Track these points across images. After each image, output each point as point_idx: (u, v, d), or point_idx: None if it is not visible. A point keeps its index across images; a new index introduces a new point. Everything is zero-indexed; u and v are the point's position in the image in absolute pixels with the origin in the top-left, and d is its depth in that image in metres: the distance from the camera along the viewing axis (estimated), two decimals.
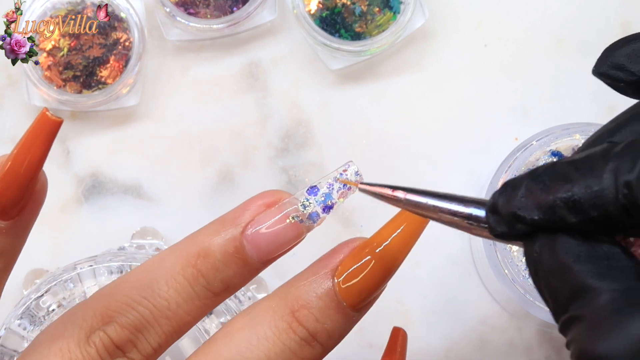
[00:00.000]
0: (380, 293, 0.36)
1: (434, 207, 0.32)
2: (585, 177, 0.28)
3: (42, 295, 0.48)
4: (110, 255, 0.50)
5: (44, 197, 0.35)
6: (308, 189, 0.35)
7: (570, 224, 0.29)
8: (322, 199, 0.35)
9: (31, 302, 0.47)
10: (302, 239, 0.36)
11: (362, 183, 0.34)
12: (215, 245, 0.34)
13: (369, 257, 0.35)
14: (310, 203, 0.35)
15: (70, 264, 0.49)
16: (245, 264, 0.35)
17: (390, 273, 0.35)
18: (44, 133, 0.33)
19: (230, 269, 0.34)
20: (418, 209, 0.33)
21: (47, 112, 0.32)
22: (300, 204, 0.35)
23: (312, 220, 0.35)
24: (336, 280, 0.35)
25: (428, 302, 0.59)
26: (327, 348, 0.35)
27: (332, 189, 0.35)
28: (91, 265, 0.48)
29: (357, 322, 0.36)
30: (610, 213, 0.28)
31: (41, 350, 0.33)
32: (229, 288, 0.35)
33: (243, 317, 0.34)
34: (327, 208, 0.35)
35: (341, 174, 0.36)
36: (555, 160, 0.32)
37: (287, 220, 0.35)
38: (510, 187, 0.30)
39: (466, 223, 0.32)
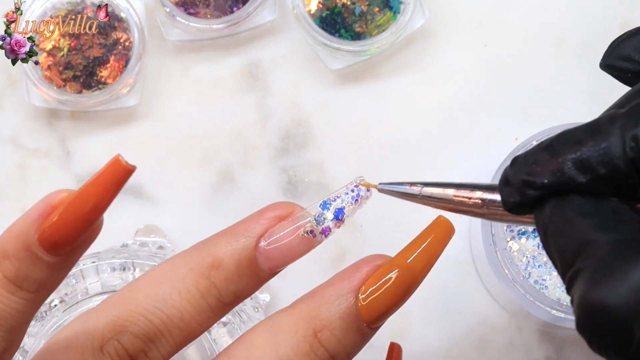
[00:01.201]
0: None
1: (451, 195, 0.33)
2: (594, 137, 0.29)
3: None
4: (113, 252, 0.50)
5: (97, 236, 0.33)
6: (321, 204, 0.35)
7: (580, 183, 0.29)
8: (334, 214, 0.35)
9: None
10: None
11: (380, 183, 0.35)
12: (228, 257, 0.35)
13: (393, 279, 0.35)
14: (324, 218, 0.35)
15: None
16: (257, 276, 0.35)
17: (410, 293, 0.35)
18: (115, 179, 0.31)
19: (243, 281, 0.35)
20: (435, 201, 0.34)
21: (120, 158, 0.31)
22: (313, 219, 0.35)
23: (324, 234, 0.35)
24: (360, 304, 0.35)
25: (428, 302, 0.59)
26: None
27: (344, 203, 0.36)
28: (94, 262, 0.48)
29: (369, 340, 0.36)
30: (618, 168, 0.28)
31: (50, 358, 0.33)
32: (238, 298, 0.35)
33: (264, 332, 0.34)
34: (339, 222, 0.36)
35: (353, 189, 0.36)
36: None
37: (301, 235, 0.35)
38: (520, 159, 0.31)
39: (482, 207, 0.33)
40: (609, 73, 0.36)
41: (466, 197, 0.33)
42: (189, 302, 0.34)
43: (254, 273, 0.35)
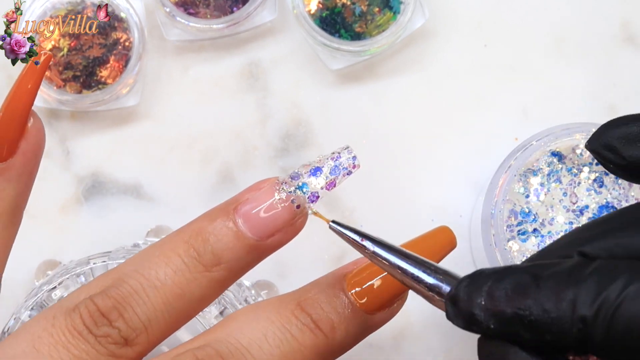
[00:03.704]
0: (397, 304, 0.36)
1: (399, 267, 0.32)
2: (546, 298, 0.28)
3: (54, 287, 0.48)
4: (124, 251, 0.50)
5: (42, 142, 0.35)
6: (299, 167, 0.35)
7: (524, 339, 0.28)
8: (310, 171, 0.35)
9: (43, 294, 0.47)
10: (299, 217, 0.35)
11: (333, 221, 0.34)
12: (209, 224, 0.34)
13: (381, 275, 0.35)
14: (298, 174, 0.35)
15: (83, 258, 0.49)
16: (237, 238, 0.34)
17: (400, 293, 0.35)
18: (36, 68, 0.35)
19: (221, 241, 0.34)
20: (382, 264, 0.32)
21: (33, 61, 0.34)
22: (289, 177, 0.35)
23: (301, 190, 0.35)
24: (354, 298, 0.35)
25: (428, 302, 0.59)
26: (332, 340, 0.34)
27: (324, 164, 0.35)
28: (104, 261, 0.48)
29: (372, 326, 0.35)
30: (565, 342, 0.27)
31: (29, 321, 0.33)
32: (222, 263, 0.34)
33: (248, 306, 0.34)
34: (315, 179, 0.35)
35: (339, 154, 0.36)
36: (523, 261, 0.31)
37: (276, 194, 0.35)
38: (474, 283, 0.30)
39: (428, 292, 0.31)
40: (594, 156, 0.34)
41: (416, 277, 0.31)
42: (166, 263, 0.34)
43: (233, 233, 0.34)
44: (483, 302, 0.29)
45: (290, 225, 0.35)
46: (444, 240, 0.36)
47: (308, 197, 0.35)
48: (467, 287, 0.30)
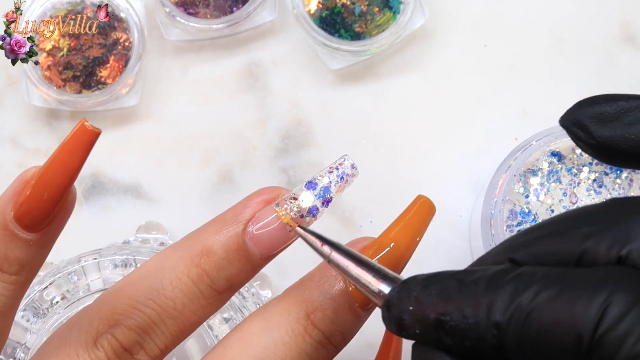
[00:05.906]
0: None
1: (351, 274, 0.32)
2: (465, 304, 0.28)
3: (46, 287, 0.48)
4: (114, 248, 0.50)
5: (72, 209, 0.33)
6: (306, 184, 0.35)
7: (447, 345, 0.28)
8: (321, 192, 0.35)
9: (35, 294, 0.47)
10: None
11: (299, 227, 0.34)
12: (217, 243, 0.34)
13: (377, 257, 0.35)
14: (309, 197, 0.35)
15: (74, 257, 0.49)
16: (248, 261, 0.35)
17: (397, 271, 0.35)
18: (82, 144, 0.31)
19: (234, 266, 0.34)
20: (339, 270, 0.33)
21: (85, 123, 0.31)
22: (300, 199, 0.35)
23: (311, 214, 0.35)
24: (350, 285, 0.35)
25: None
26: (339, 349, 0.35)
27: (330, 182, 0.35)
28: (95, 259, 0.48)
29: (365, 321, 0.36)
30: (482, 347, 0.27)
31: (49, 358, 0.33)
32: (233, 286, 0.35)
33: (257, 319, 0.34)
34: (326, 202, 0.35)
35: (337, 167, 0.36)
36: (450, 276, 0.32)
37: (282, 214, 0.35)
38: (405, 289, 0.30)
39: (376, 297, 0.31)
40: (566, 132, 0.34)
41: (366, 283, 0.32)
42: (181, 291, 0.34)
43: (245, 258, 0.35)
44: (411, 308, 0.29)
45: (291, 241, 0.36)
46: (424, 210, 0.36)
47: (315, 216, 0.35)
48: (399, 292, 0.30)
